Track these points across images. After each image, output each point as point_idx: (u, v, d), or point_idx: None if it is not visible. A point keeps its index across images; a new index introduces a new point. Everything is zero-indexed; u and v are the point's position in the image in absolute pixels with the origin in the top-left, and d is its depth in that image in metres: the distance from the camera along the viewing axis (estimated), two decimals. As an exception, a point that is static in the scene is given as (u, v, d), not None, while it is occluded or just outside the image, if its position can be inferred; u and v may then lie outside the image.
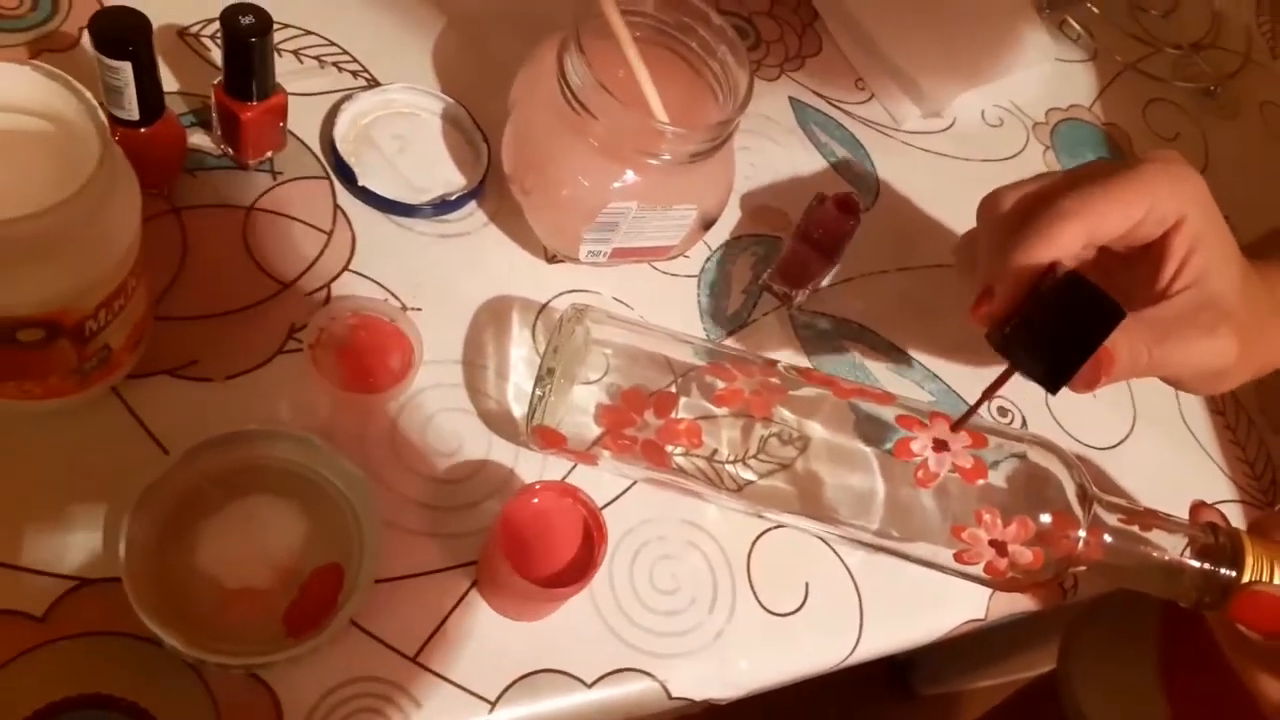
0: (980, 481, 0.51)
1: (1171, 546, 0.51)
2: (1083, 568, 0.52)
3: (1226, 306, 0.52)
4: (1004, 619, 0.62)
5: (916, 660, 1.52)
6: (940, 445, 0.52)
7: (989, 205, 0.54)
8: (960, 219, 0.78)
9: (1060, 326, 0.49)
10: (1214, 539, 0.51)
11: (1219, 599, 0.50)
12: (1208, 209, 0.52)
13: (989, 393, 0.52)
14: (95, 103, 0.42)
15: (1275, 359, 0.58)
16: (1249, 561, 0.49)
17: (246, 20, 0.53)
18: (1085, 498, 0.52)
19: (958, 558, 0.53)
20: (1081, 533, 0.51)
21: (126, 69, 0.50)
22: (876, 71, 0.83)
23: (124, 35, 0.50)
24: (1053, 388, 0.50)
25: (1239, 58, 1.06)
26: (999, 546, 0.51)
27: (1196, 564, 0.51)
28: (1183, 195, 0.51)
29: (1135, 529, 0.52)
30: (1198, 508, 0.55)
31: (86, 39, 0.60)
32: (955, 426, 0.53)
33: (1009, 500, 0.51)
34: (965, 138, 0.84)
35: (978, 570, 0.53)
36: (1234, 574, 0.50)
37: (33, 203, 0.39)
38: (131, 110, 0.52)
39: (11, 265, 0.40)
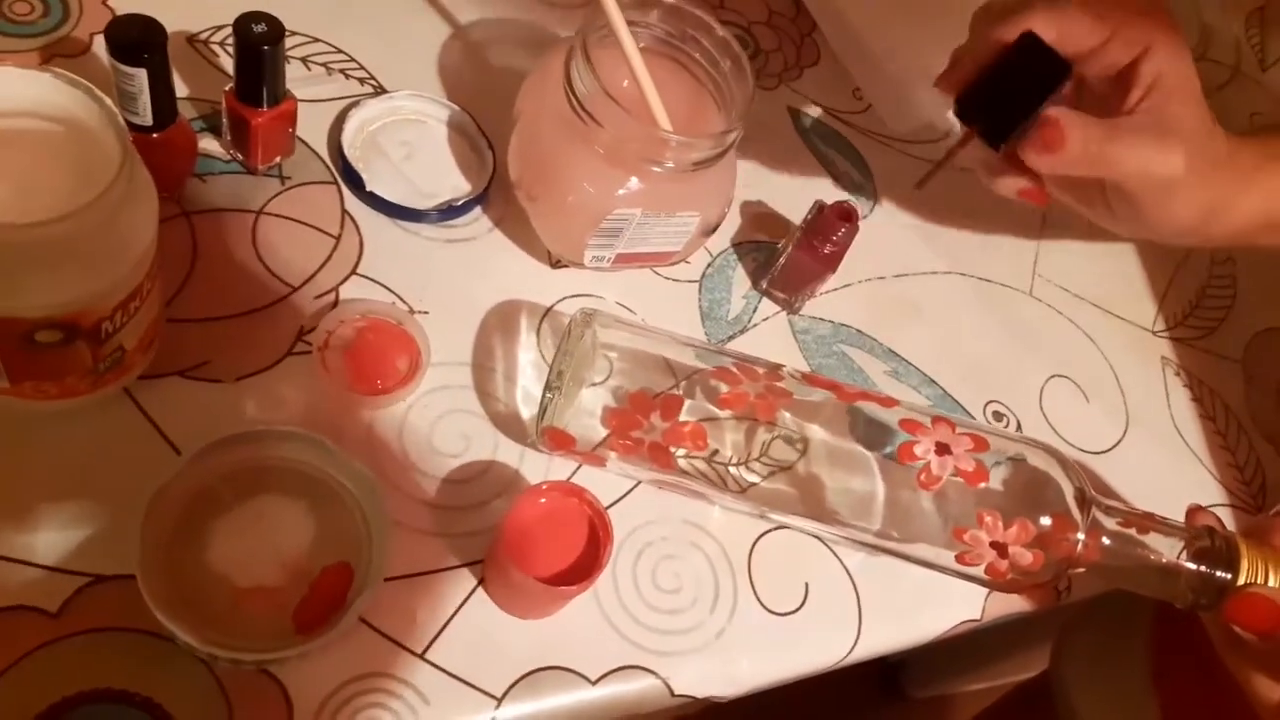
0: (981, 484, 0.52)
1: (1168, 549, 0.52)
2: (1081, 569, 0.53)
3: (1183, 131, 0.54)
4: (999, 619, 0.63)
5: (908, 662, 1.53)
6: (942, 449, 0.52)
7: (980, 10, 0.58)
8: (958, 226, 0.79)
9: (1010, 80, 0.54)
10: (1210, 542, 0.52)
11: (1214, 601, 0.51)
12: (1178, 45, 0.55)
13: (949, 155, 0.57)
14: (116, 110, 0.43)
15: (1222, 210, 0.59)
16: (1244, 564, 0.50)
17: (259, 28, 0.54)
18: (1084, 501, 0.53)
19: (959, 559, 0.53)
20: (1080, 535, 0.52)
21: (141, 75, 0.51)
22: (873, 80, 0.84)
23: (139, 42, 0.50)
24: (996, 140, 0.54)
25: (1228, 70, 1.07)
26: (1000, 548, 0.52)
27: (1193, 566, 0.51)
28: (1154, 25, 0.54)
29: (1132, 532, 0.52)
30: (1194, 512, 0.55)
31: (98, 45, 0.61)
32: (919, 184, 0.58)
33: (1009, 503, 0.52)
34: (961, 146, 0.85)
35: (979, 572, 0.54)
36: (1229, 576, 0.50)
37: (51, 207, 0.39)
38: (145, 116, 0.53)
39: (32, 268, 0.41)
